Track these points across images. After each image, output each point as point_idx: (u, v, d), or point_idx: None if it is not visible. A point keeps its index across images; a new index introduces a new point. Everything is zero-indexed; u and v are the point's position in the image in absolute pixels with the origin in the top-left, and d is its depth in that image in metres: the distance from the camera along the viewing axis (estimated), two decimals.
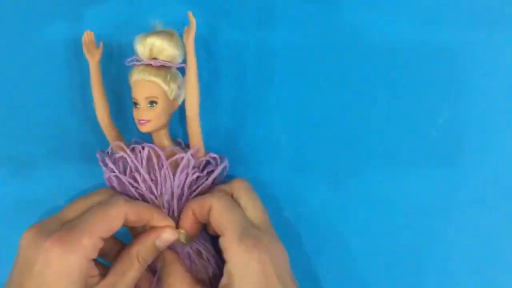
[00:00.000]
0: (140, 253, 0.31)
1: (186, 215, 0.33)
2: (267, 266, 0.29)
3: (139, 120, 0.34)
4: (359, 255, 0.39)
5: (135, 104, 0.34)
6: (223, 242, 0.30)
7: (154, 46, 0.34)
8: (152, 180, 0.34)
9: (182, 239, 0.33)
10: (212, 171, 0.35)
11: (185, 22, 0.37)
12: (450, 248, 0.39)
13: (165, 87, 0.34)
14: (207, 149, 0.36)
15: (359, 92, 0.38)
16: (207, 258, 0.34)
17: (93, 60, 0.35)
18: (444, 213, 0.39)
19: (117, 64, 0.37)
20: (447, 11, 0.39)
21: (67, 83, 0.37)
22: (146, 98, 0.33)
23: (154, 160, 0.34)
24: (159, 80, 0.33)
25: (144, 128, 0.34)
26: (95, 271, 0.30)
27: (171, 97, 0.34)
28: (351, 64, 0.39)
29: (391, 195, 0.39)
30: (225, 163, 0.36)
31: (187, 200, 0.34)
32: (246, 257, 0.29)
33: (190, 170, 0.34)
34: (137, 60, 0.34)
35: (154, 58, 0.34)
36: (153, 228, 0.33)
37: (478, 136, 0.39)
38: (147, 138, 0.36)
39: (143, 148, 0.34)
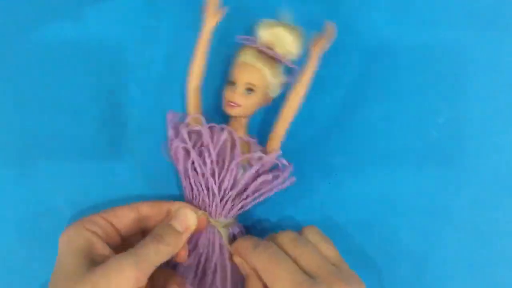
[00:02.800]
0: (156, 232, 0.30)
1: (234, 251, 0.33)
2: None
3: (229, 101, 0.33)
4: (359, 255, 0.39)
5: (232, 83, 0.33)
6: None
7: (279, 37, 0.33)
8: (217, 163, 0.32)
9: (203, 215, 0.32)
10: (277, 175, 0.34)
11: (184, 22, 0.37)
12: (450, 248, 0.39)
13: (270, 80, 0.33)
14: None
15: (359, 92, 0.38)
16: None
17: (211, 22, 0.33)
18: (444, 213, 0.39)
19: (116, 64, 0.37)
20: (447, 11, 0.39)
21: (67, 83, 0.37)
22: (246, 83, 0.33)
23: (228, 146, 0.33)
24: (267, 71, 0.33)
25: (231, 111, 0.33)
26: (106, 251, 0.29)
27: (270, 92, 0.34)
28: (351, 64, 0.39)
29: (391, 195, 0.39)
30: (290, 168, 0.35)
31: (244, 198, 0.33)
32: None
33: (262, 172, 0.33)
34: (252, 42, 0.33)
35: (270, 48, 0.33)
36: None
37: (478, 136, 0.39)
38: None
39: (222, 129, 0.33)
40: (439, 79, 0.39)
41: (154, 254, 0.28)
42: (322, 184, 0.38)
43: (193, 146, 0.33)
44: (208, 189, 0.33)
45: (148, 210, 0.32)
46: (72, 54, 0.37)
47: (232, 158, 0.32)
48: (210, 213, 0.33)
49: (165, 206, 0.32)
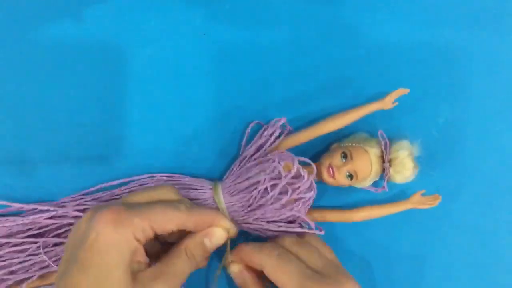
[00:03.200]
0: (188, 246, 0.31)
1: (235, 258, 0.34)
2: None
3: (331, 167, 0.35)
4: (359, 255, 0.39)
5: (344, 156, 0.35)
6: None
7: (403, 166, 0.36)
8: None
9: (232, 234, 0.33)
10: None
11: (184, 22, 0.37)
12: (450, 249, 0.39)
13: (366, 182, 0.36)
14: (206, 147, 0.37)
15: (359, 92, 0.38)
16: None
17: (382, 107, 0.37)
18: (444, 213, 0.39)
19: (116, 64, 0.37)
20: (447, 11, 0.39)
21: (67, 83, 0.37)
22: (355, 171, 0.35)
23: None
24: (373, 175, 0.36)
25: (328, 179, 0.36)
26: (144, 258, 0.29)
27: (353, 184, 0.36)
28: (351, 64, 0.39)
29: (391, 195, 0.39)
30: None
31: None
32: None
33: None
34: (385, 146, 0.36)
35: (389, 163, 0.36)
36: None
37: (478, 136, 0.39)
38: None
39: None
40: (439, 79, 0.39)
41: (186, 272, 0.30)
42: (322, 184, 0.38)
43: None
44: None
45: (191, 228, 0.31)
46: (72, 54, 0.37)
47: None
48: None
49: (206, 224, 0.32)
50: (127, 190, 0.36)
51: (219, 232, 0.32)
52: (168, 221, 0.30)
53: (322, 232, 0.35)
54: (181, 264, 0.30)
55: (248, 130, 0.38)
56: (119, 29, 0.37)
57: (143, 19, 0.37)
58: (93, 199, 0.36)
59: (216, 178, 0.38)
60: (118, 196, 0.36)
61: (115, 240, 0.27)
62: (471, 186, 0.39)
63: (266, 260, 0.31)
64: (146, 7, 0.38)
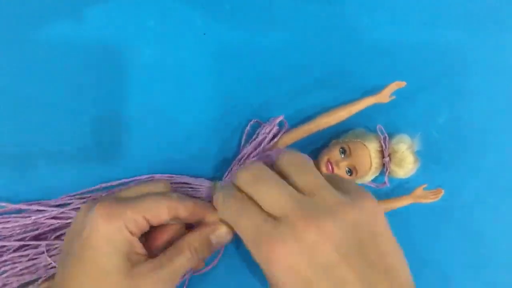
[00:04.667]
0: (192, 242, 0.30)
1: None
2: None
3: (330, 162, 0.35)
4: None
5: (344, 151, 0.35)
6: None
7: (404, 161, 0.36)
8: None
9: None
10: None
11: (184, 22, 0.37)
12: (450, 248, 0.39)
13: (367, 178, 0.36)
14: (206, 147, 0.37)
15: (359, 92, 0.38)
16: None
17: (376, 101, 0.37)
18: (444, 213, 0.39)
19: (116, 64, 0.37)
20: (447, 11, 0.39)
21: (67, 83, 0.37)
22: (354, 166, 0.35)
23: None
24: (374, 170, 0.36)
25: (324, 168, 0.35)
26: (142, 250, 0.29)
27: (357, 179, 0.36)
28: (351, 64, 0.39)
29: (391, 195, 0.39)
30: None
31: None
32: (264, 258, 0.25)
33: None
34: (384, 140, 0.36)
35: (389, 157, 0.36)
36: (210, 223, 0.31)
37: (478, 136, 0.39)
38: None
39: None
40: (439, 79, 0.39)
41: (185, 267, 0.29)
42: None
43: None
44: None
45: (185, 215, 0.30)
46: (72, 54, 0.37)
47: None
48: None
49: (201, 213, 0.31)
50: None
51: (224, 229, 0.30)
52: (161, 210, 0.29)
53: None
54: (182, 259, 0.29)
55: (248, 129, 0.38)
56: (119, 29, 0.37)
57: (143, 19, 0.37)
58: (93, 200, 0.36)
59: (217, 177, 0.38)
60: None
61: (108, 233, 0.28)
62: (471, 185, 0.39)
63: (227, 217, 0.29)
64: (146, 7, 0.38)
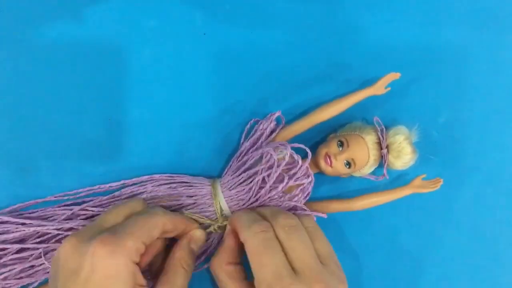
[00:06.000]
0: (181, 257, 0.32)
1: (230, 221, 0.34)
2: None
3: (328, 155, 0.35)
4: (358, 255, 0.39)
5: (341, 144, 0.35)
6: (255, 284, 0.29)
7: (401, 152, 0.35)
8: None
9: (215, 229, 0.34)
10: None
11: (184, 22, 0.37)
12: (450, 248, 0.39)
13: (366, 170, 0.36)
14: (205, 146, 0.37)
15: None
16: None
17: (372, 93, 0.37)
18: (444, 213, 0.39)
19: (116, 64, 0.37)
20: (448, 12, 0.39)
21: (67, 83, 0.37)
22: (352, 158, 0.35)
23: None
24: (372, 162, 0.35)
25: (325, 167, 0.35)
26: (143, 281, 0.29)
27: (352, 173, 0.36)
28: (351, 64, 0.39)
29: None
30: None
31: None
32: None
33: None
34: (381, 132, 0.36)
35: (387, 148, 0.35)
36: (186, 233, 0.33)
37: (478, 136, 0.39)
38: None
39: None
40: (439, 79, 0.39)
41: (186, 284, 0.31)
42: (323, 184, 0.38)
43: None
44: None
45: (171, 229, 0.32)
46: (72, 54, 0.37)
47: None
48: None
49: (182, 225, 0.33)
50: (128, 191, 0.36)
51: (198, 233, 0.33)
52: (153, 229, 0.30)
53: (325, 215, 0.35)
54: (181, 277, 0.31)
55: (247, 127, 0.38)
56: (119, 29, 0.37)
57: (143, 19, 0.37)
58: (94, 203, 0.36)
59: (217, 176, 0.38)
60: (118, 198, 0.36)
61: (115, 271, 0.27)
62: (471, 185, 0.39)
63: (249, 239, 0.30)
64: (146, 7, 0.37)
